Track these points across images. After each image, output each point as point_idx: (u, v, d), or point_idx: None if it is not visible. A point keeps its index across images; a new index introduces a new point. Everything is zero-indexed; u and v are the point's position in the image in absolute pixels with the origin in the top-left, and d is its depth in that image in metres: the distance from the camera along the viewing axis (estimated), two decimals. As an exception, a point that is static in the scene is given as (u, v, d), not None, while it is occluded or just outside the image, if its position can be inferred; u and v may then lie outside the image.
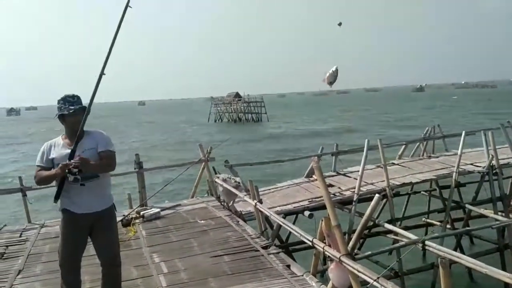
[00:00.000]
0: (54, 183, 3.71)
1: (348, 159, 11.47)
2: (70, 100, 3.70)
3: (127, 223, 6.94)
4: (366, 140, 8.31)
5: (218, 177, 8.27)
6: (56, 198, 3.64)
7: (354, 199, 7.61)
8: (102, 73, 3.80)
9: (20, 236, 6.78)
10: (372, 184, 8.81)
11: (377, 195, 4.89)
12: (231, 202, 7.69)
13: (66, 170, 3.51)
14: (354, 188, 7.98)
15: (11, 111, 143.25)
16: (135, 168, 8.45)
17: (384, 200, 8.87)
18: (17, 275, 5.10)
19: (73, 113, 3.66)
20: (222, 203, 7.99)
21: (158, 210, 7.53)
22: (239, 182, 7.90)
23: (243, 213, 7.41)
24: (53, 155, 3.68)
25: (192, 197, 9.04)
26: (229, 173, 8.95)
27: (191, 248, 5.67)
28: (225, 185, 7.65)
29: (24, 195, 7.87)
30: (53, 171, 3.62)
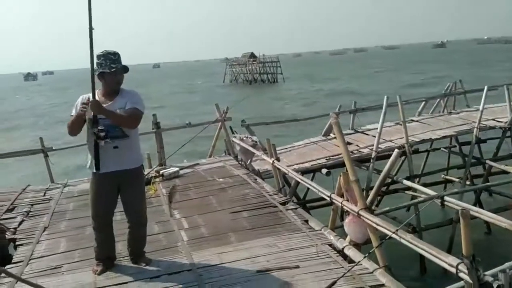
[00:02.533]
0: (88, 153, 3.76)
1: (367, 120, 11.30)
2: (111, 58, 3.61)
3: (147, 182, 7.06)
4: (385, 97, 8.14)
5: (235, 137, 8.30)
6: (97, 167, 3.63)
7: (372, 156, 7.55)
8: (91, 28, 3.50)
9: (44, 195, 6.97)
10: (390, 141, 8.71)
11: (396, 150, 4.83)
12: (249, 160, 7.73)
13: (95, 137, 3.53)
14: (372, 145, 7.90)
15: (28, 76, 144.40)
16: (153, 128, 8.53)
17: (403, 158, 8.80)
18: (43, 231, 5.28)
19: (114, 72, 3.61)
20: (240, 162, 8.05)
21: (177, 169, 7.63)
22: (256, 141, 7.92)
23: (260, 171, 7.46)
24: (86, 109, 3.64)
25: (210, 156, 9.13)
26: (246, 133, 8.96)
27: (211, 205, 5.76)
28: (242, 144, 7.67)
29: (46, 156, 8.06)
30: (75, 115, 3.64)
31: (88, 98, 3.60)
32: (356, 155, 8.19)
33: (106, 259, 3.98)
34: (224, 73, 67.10)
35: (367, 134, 9.82)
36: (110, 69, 3.58)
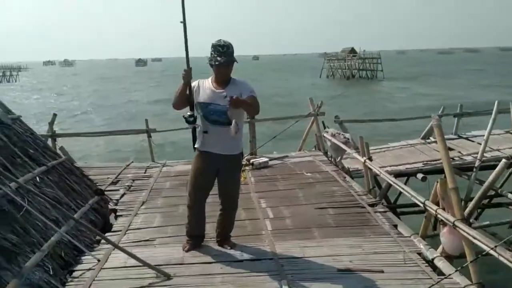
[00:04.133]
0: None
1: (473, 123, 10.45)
2: (219, 50, 3.68)
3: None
4: (496, 102, 7.47)
5: (327, 132, 8.20)
6: (194, 143, 3.92)
7: (476, 165, 6.98)
8: (184, 22, 3.73)
9: (145, 172, 7.53)
10: (498, 150, 8.00)
11: (503, 160, 4.41)
12: (339, 157, 7.60)
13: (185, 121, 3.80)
14: (477, 153, 7.31)
15: (139, 62, 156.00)
16: (246, 118, 8.74)
17: (510, 169, 8.03)
18: (141, 205, 5.70)
19: (219, 65, 3.69)
20: (330, 158, 7.94)
21: (266, 159, 7.75)
22: (348, 138, 7.74)
23: (350, 169, 7.29)
24: (199, 93, 3.83)
25: (300, 150, 9.13)
26: (339, 129, 8.80)
27: (297, 198, 5.77)
28: (334, 140, 7.56)
29: (149, 136, 8.68)
30: (179, 86, 3.84)
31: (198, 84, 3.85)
32: (457, 162, 7.66)
33: (195, 237, 4.17)
34: (321, 68, 66.31)
35: (471, 141, 9.12)
36: (215, 61, 3.69)
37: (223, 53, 3.67)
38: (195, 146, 3.95)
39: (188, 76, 3.77)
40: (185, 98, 3.85)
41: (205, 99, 3.78)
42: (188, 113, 3.78)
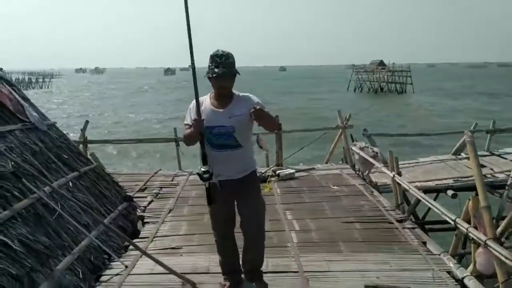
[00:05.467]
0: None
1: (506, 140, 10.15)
2: (217, 61, 3.17)
3: (263, 179, 7.30)
4: (532, 118, 7.24)
5: (355, 145, 8.13)
6: (204, 162, 3.19)
7: (508, 182, 6.76)
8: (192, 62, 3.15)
9: (172, 180, 7.63)
10: (532, 168, 7.73)
11: (540, 179, 4.27)
12: (367, 171, 7.51)
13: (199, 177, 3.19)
14: (509, 171, 7.10)
15: (167, 71, 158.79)
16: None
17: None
18: (168, 213, 5.78)
19: (216, 77, 3.17)
20: (357, 172, 7.86)
21: (293, 171, 7.74)
22: (377, 152, 7.65)
23: (378, 184, 7.20)
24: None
25: (327, 162, 9.08)
26: (367, 142, 8.71)
27: (323, 211, 5.73)
28: (362, 153, 7.48)
29: (177, 145, 8.81)
30: (189, 130, 3.29)
31: (197, 110, 3.19)
32: (489, 179, 7.44)
33: (232, 273, 3.63)
34: (348, 80, 65.75)
35: (504, 158, 8.87)
36: (212, 73, 3.17)
37: (221, 64, 3.16)
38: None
39: (199, 126, 3.14)
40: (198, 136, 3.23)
41: (207, 122, 3.19)
42: (202, 169, 3.15)
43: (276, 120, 3.42)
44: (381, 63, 62.76)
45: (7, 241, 3.10)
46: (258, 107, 3.07)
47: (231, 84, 3.26)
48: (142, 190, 6.93)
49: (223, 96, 3.29)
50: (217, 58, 3.17)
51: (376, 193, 6.48)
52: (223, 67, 3.16)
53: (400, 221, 5.21)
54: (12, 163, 3.80)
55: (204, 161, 3.18)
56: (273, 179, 7.41)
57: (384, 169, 6.44)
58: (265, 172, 7.61)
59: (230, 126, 3.22)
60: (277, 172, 7.63)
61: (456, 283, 3.68)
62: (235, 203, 3.46)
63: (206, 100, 3.34)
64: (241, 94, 3.36)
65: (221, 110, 3.27)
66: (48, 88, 75.52)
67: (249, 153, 3.43)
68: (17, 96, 5.04)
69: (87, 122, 9.12)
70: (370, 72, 63.09)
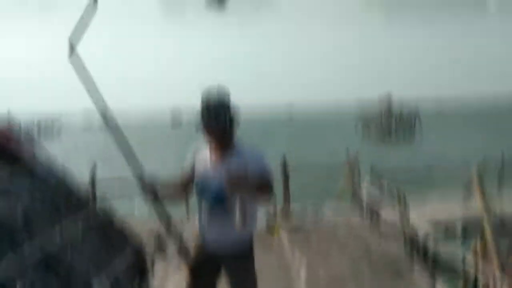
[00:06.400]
0: None
1: None
2: (208, 107, 2.54)
3: (270, 224, 7.10)
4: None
5: (363, 182, 8.13)
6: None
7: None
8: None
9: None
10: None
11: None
12: (375, 208, 7.47)
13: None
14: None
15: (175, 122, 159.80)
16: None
17: None
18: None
19: (206, 126, 2.55)
20: (366, 210, 7.81)
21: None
22: (385, 189, 7.64)
23: (387, 221, 7.13)
24: (196, 164, 2.71)
25: (337, 199, 9.01)
26: (375, 179, 8.69)
27: (331, 256, 5.62)
28: (370, 190, 7.47)
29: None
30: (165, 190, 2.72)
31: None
32: (498, 217, 7.34)
33: None
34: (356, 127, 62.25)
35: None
36: (202, 122, 2.56)
37: (213, 109, 2.52)
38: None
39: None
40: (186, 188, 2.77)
41: (201, 176, 2.64)
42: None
43: (263, 191, 2.50)
44: (388, 98, 61.17)
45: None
46: (235, 175, 2.40)
47: (229, 135, 2.63)
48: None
49: (222, 147, 2.64)
50: (206, 102, 2.55)
51: (385, 231, 6.40)
52: (216, 114, 2.55)
53: (409, 260, 5.15)
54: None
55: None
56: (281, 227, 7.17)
57: (393, 206, 6.41)
58: (274, 211, 7.51)
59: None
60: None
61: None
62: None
63: (204, 148, 2.75)
64: (246, 145, 2.69)
65: (217, 162, 2.64)
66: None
67: (246, 214, 2.61)
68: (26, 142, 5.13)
69: (95, 163, 9.10)
70: (377, 120, 58.90)
